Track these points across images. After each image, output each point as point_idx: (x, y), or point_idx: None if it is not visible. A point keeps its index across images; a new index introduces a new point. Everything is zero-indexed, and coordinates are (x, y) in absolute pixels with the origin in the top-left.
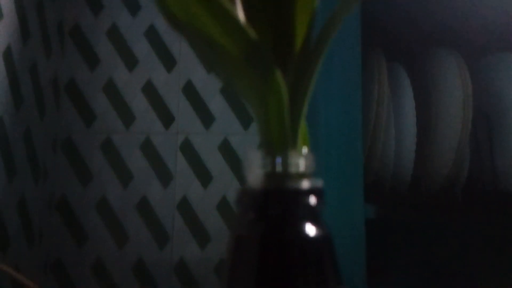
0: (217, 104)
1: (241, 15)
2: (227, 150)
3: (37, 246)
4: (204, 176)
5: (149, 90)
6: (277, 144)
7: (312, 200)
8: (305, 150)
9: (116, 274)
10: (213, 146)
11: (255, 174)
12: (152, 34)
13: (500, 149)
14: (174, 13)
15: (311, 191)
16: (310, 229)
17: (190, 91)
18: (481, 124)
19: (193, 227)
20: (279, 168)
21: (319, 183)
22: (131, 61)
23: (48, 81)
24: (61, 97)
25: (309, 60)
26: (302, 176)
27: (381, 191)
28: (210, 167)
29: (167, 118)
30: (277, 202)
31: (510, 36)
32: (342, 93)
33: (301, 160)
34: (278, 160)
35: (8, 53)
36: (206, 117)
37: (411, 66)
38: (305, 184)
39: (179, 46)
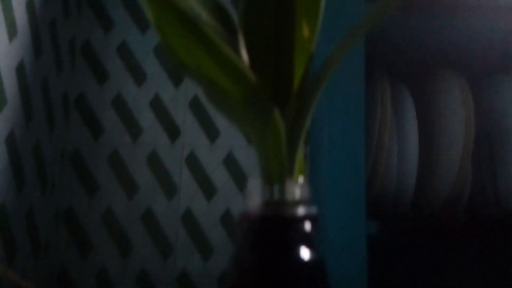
0: (222, 118)
1: (244, 55)
2: (231, 163)
3: (43, 257)
4: (208, 189)
5: (157, 105)
6: (275, 174)
7: (307, 226)
8: (301, 179)
9: (119, 284)
10: (217, 159)
11: (254, 201)
12: (160, 51)
13: (502, 169)
14: (181, 58)
15: (306, 217)
16: (305, 254)
17: (196, 106)
18: (483, 144)
19: (197, 239)
20: (276, 196)
21: (314, 210)
22: (139, 77)
23: (58, 95)
24: (70, 111)
25: (306, 98)
26: (298, 203)
27: (383, 209)
28: (214, 180)
29: (173, 132)
30: (274, 228)
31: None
32: (345, 112)
33: (297, 189)
34: (276, 188)
35: (21, 68)
36: (212, 131)
37: (414, 87)
38: (301, 211)
39: None
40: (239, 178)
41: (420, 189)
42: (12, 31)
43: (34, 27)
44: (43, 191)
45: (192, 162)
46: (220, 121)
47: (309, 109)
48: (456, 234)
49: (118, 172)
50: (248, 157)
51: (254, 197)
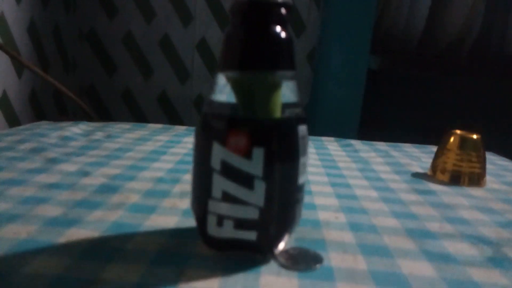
0: None
1: None
2: None
3: (72, 72)
4: (222, 18)
5: None
6: None
7: (283, 11)
8: None
9: (142, 103)
10: None
11: None
12: None
13: None
14: None
15: (282, 4)
16: (279, 31)
17: None
18: None
19: (211, 67)
20: None
21: (290, 1)
22: None
23: None
24: None
25: None
26: None
27: (390, 45)
28: (227, 8)
29: None
30: (257, 10)
31: None
32: None
33: None
34: None
35: None
36: None
37: None
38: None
39: None
40: None
41: (429, 28)
42: None
43: None
44: (67, 10)
45: None
46: None
47: None
48: (457, 72)
49: None
50: None
51: None
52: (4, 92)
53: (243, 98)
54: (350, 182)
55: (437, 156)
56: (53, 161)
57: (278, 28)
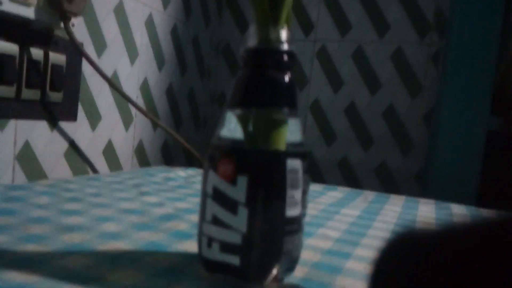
0: (353, 12)
1: None
2: (360, 58)
3: (202, 130)
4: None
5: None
6: (261, 24)
7: (285, 57)
8: (284, 27)
9: None
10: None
11: (251, 41)
12: None
13: None
14: None
15: (284, 52)
16: (282, 74)
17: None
18: None
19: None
20: (264, 36)
21: (292, 48)
22: None
23: None
24: (223, 9)
25: None
26: (280, 43)
27: None
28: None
29: (307, 26)
30: (261, 56)
31: None
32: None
33: (279, 33)
34: (264, 32)
35: None
36: (344, 25)
37: None
38: (281, 47)
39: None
40: (368, 73)
41: None
42: None
43: None
44: (201, 77)
45: (323, 55)
46: (352, 15)
47: None
48: None
49: None
50: (377, 52)
51: (251, 38)
52: (140, 141)
53: (247, 132)
54: None
55: None
56: (143, 194)
57: (281, 74)
